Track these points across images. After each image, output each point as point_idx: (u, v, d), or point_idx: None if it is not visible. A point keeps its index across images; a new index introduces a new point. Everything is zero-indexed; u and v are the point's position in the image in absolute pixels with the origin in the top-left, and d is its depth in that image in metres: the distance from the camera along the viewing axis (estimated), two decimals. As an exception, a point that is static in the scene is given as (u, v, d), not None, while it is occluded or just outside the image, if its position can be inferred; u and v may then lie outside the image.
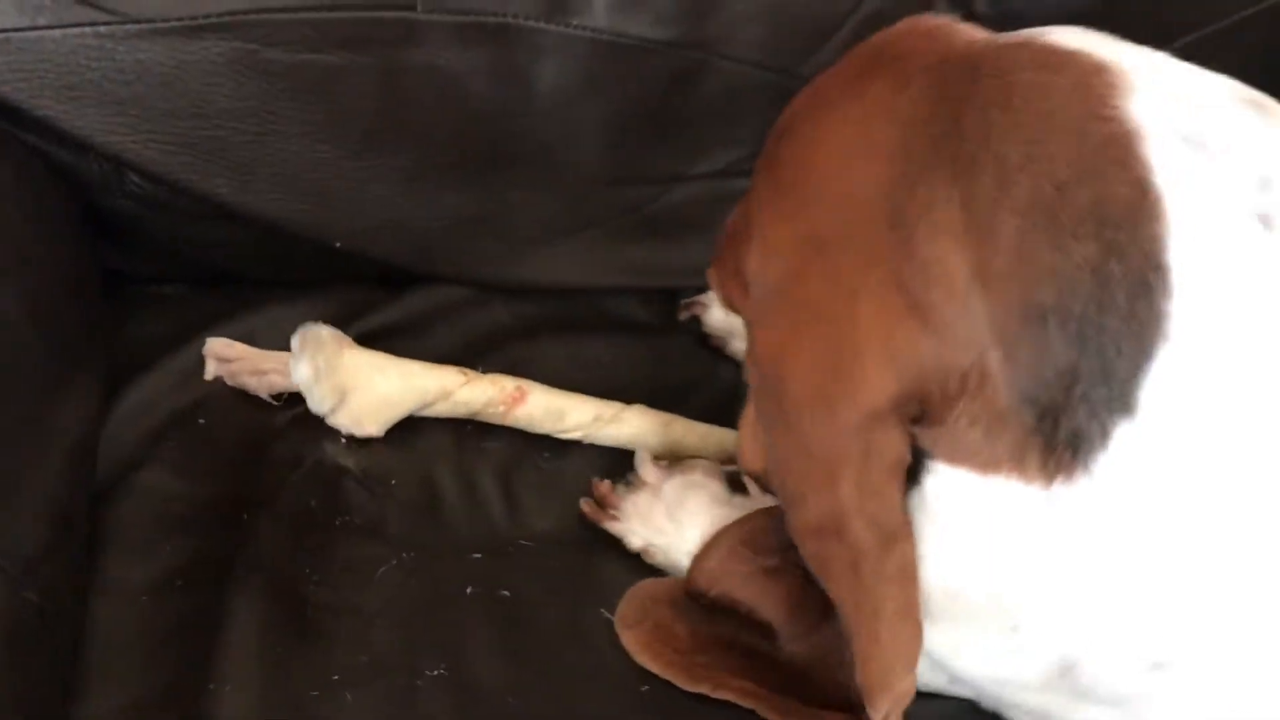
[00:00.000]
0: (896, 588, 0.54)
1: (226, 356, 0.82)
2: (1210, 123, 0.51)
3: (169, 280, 0.89)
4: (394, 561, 0.72)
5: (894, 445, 0.53)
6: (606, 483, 0.78)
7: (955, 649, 0.61)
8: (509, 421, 0.82)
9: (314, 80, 0.81)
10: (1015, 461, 0.52)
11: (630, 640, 0.69)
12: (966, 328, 0.51)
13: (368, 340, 0.86)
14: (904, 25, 0.60)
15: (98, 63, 0.76)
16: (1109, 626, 0.55)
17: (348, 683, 0.64)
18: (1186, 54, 0.96)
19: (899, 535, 0.54)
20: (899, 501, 0.54)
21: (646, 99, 0.90)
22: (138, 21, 0.76)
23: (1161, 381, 0.49)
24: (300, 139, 0.83)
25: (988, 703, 0.66)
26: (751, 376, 0.59)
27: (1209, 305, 0.49)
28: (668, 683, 0.68)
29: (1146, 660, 0.55)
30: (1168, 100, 0.51)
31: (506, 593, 0.72)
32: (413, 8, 0.83)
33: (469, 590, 0.71)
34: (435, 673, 0.66)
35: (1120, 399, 0.50)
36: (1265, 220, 0.50)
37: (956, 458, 0.54)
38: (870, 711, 0.56)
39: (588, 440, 0.83)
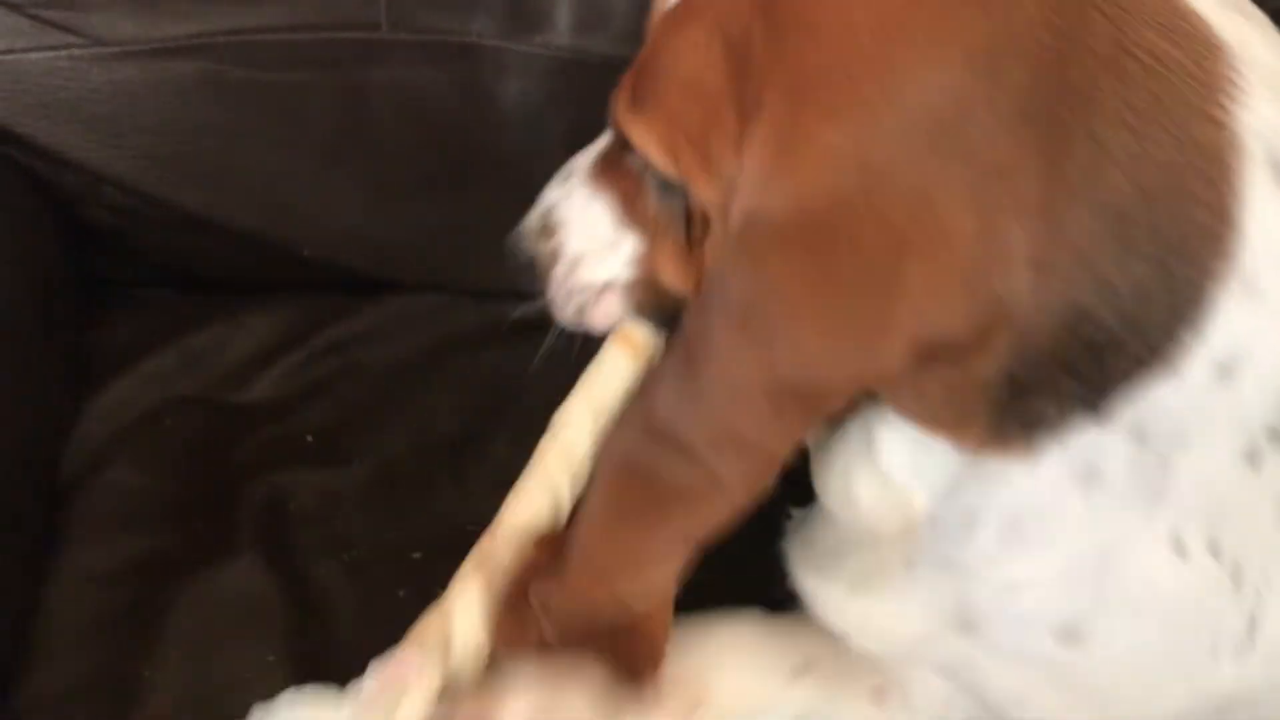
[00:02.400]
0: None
1: None
2: None
3: (149, 285, 0.94)
4: (335, 562, 0.76)
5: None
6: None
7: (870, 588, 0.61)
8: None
9: (280, 98, 0.86)
10: (958, 425, 0.52)
11: None
12: (1000, 307, 0.46)
13: (340, 346, 0.92)
14: None
15: (72, 83, 0.81)
16: (995, 571, 0.56)
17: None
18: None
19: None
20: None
21: (609, 114, 0.93)
22: (110, 45, 0.81)
23: (1135, 406, 0.49)
24: (267, 153, 0.88)
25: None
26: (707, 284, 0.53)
27: (1223, 372, 0.48)
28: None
29: (1055, 628, 0.56)
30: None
31: (440, 589, 0.76)
32: (377, 27, 0.87)
33: (401, 593, 0.75)
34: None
35: (1095, 406, 0.49)
36: None
37: (910, 413, 0.54)
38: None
39: None
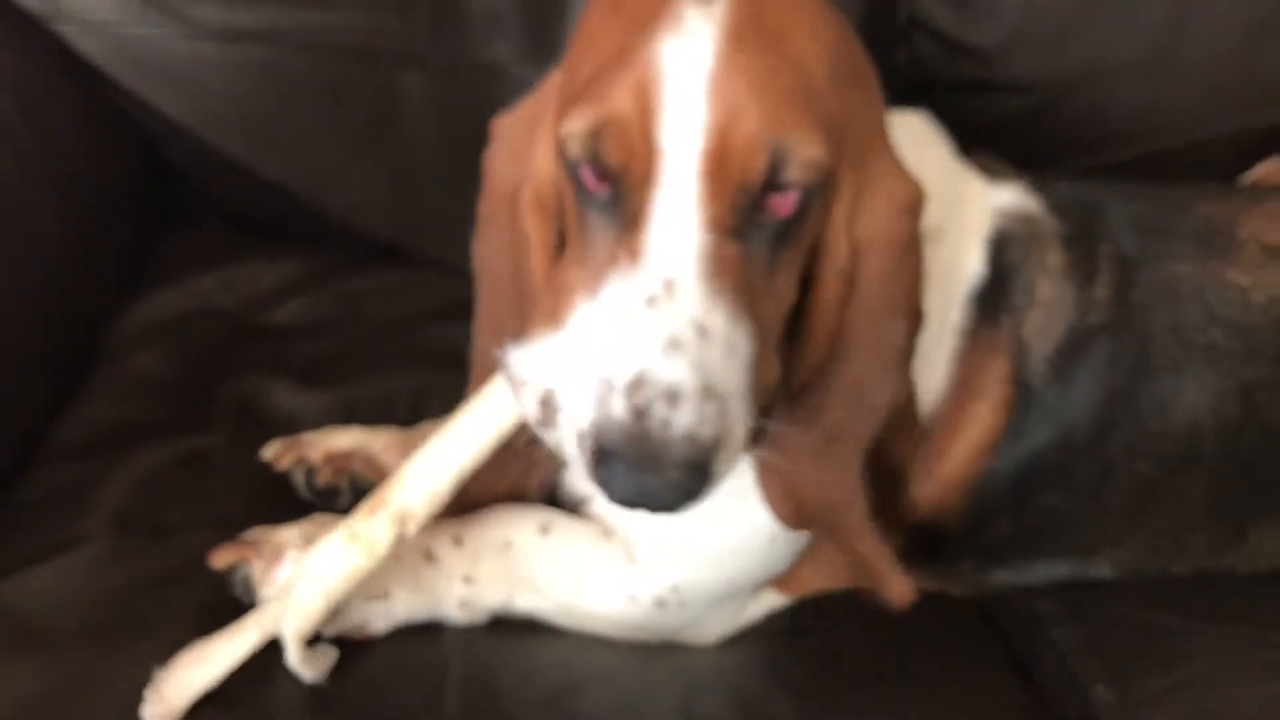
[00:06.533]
0: None
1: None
2: None
3: (206, 219, 1.16)
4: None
5: None
6: None
7: None
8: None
9: (325, 87, 1.06)
10: None
11: None
12: None
13: (351, 297, 1.12)
14: None
15: (165, 54, 1.05)
16: None
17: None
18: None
19: None
20: None
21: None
22: (196, 27, 1.04)
23: None
24: (310, 130, 1.08)
25: None
26: None
27: None
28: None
29: None
30: None
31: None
32: (414, 40, 1.06)
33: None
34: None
35: None
36: None
37: None
38: None
39: None
